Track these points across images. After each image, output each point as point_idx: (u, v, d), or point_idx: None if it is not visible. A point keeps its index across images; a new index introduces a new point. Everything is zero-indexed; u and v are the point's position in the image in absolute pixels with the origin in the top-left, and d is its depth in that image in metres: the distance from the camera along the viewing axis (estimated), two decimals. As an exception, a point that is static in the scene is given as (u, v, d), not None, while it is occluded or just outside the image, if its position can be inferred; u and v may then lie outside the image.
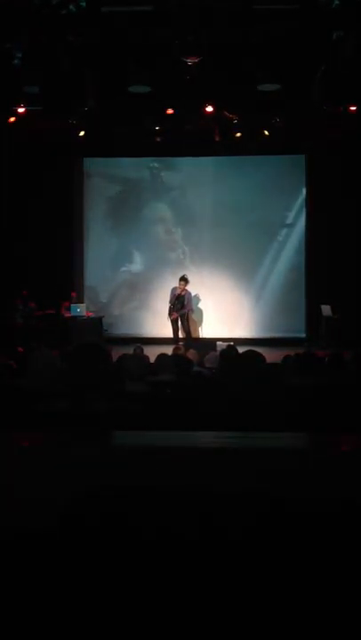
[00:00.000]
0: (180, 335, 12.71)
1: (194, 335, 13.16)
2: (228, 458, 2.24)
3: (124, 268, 14.54)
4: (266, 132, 12.53)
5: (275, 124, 12.28)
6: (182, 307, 12.59)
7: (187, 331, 12.75)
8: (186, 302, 12.63)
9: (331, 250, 13.39)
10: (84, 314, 13.09)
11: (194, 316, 13.55)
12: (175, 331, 12.68)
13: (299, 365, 5.44)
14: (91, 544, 1.46)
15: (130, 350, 8.01)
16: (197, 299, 13.60)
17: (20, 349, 10.80)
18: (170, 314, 12.63)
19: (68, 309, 13.06)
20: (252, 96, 10.04)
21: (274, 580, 1.44)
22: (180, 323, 12.68)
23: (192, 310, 12.97)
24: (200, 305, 13.77)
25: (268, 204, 14.12)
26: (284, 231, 14.17)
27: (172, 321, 12.66)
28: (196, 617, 1.39)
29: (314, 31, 8.76)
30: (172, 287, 12.84)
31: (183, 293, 12.58)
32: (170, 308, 12.64)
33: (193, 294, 13.09)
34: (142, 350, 8.13)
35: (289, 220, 14.18)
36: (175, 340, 12.31)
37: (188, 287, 12.72)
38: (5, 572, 1.50)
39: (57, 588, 1.42)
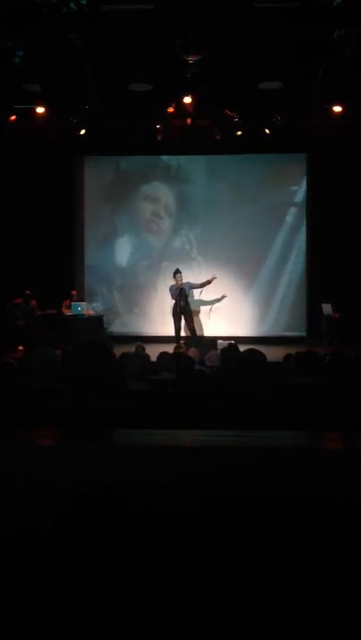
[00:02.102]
0: (183, 333, 12.66)
1: (198, 333, 13.12)
2: (228, 456, 2.24)
3: (125, 267, 14.53)
4: (267, 131, 12.54)
5: (276, 122, 12.29)
6: (186, 300, 12.55)
7: (191, 329, 12.70)
8: (187, 292, 12.59)
9: (331, 249, 13.39)
10: (85, 312, 13.08)
11: (200, 315, 13.51)
12: (177, 329, 12.63)
13: (300, 364, 5.44)
14: (88, 544, 1.46)
15: (131, 349, 8.01)
16: (200, 296, 13.52)
17: (22, 348, 10.80)
18: (175, 310, 12.57)
19: (69, 308, 13.06)
20: (252, 94, 10.05)
21: (275, 579, 1.44)
22: (183, 320, 12.63)
23: (204, 285, 12.93)
24: (202, 302, 13.69)
25: (268, 204, 14.12)
26: (285, 230, 14.17)
27: (174, 319, 12.61)
28: (196, 617, 1.39)
29: (315, 29, 8.76)
30: (169, 286, 12.79)
31: (181, 286, 12.52)
32: (174, 304, 12.58)
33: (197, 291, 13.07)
34: (144, 349, 8.13)
35: (289, 219, 14.18)
36: (177, 338, 12.27)
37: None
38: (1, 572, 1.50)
39: (53, 588, 1.43)
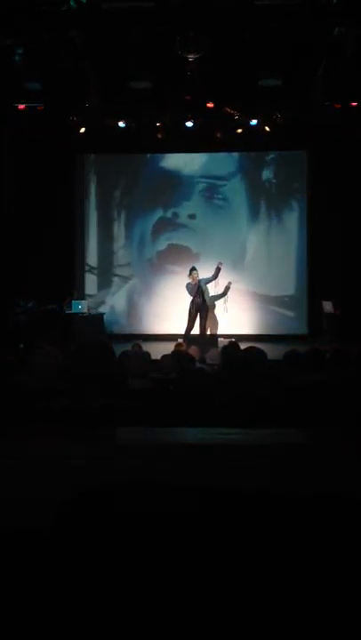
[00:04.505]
0: (197, 332, 12.45)
1: (213, 330, 12.94)
2: (229, 454, 2.25)
3: (125, 265, 14.53)
4: (267, 128, 12.53)
5: (276, 120, 12.29)
6: (203, 297, 12.38)
7: (203, 327, 12.52)
8: (204, 288, 12.40)
9: (332, 246, 13.38)
10: (86, 310, 13.08)
11: (216, 311, 13.33)
12: (190, 328, 12.40)
13: (300, 362, 5.44)
14: (88, 544, 1.45)
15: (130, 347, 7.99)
16: (215, 291, 13.27)
17: (22, 346, 10.80)
18: (191, 308, 12.36)
19: (69, 306, 13.05)
20: (253, 92, 10.05)
21: (276, 579, 1.44)
22: (198, 318, 12.43)
23: (216, 278, 12.65)
24: (214, 297, 13.45)
25: (269, 200, 14.12)
26: (285, 227, 14.15)
27: (190, 317, 12.43)
28: (196, 616, 1.38)
29: (315, 27, 8.75)
30: (185, 284, 12.58)
31: (197, 282, 12.32)
32: (191, 302, 12.35)
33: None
34: (140, 347, 8.11)
35: (290, 216, 14.16)
36: (185, 336, 12.10)
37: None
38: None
39: (53, 588, 1.42)
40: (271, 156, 14.10)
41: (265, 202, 14.11)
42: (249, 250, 14.10)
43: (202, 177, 14.26)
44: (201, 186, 14.25)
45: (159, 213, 14.37)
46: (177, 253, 14.15)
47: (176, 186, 14.33)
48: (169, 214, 14.35)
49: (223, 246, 13.91)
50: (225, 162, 14.21)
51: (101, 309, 13.97)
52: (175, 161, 14.33)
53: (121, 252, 14.53)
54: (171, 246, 14.29)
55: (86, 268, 14.56)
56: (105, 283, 14.58)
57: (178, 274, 13.18)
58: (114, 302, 14.47)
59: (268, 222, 14.13)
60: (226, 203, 14.18)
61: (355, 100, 10.58)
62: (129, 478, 1.73)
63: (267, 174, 14.13)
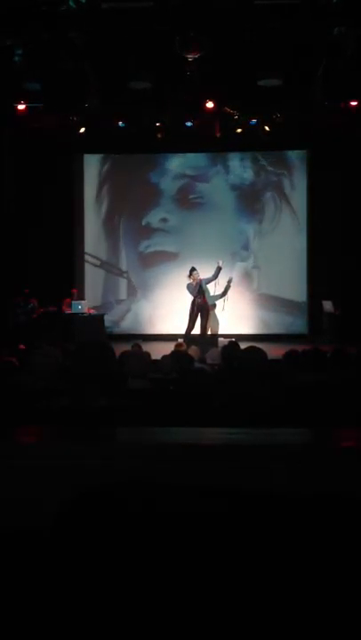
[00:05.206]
0: (198, 331, 12.35)
1: (214, 330, 12.83)
2: (230, 454, 2.24)
3: (125, 265, 14.54)
4: (267, 128, 12.53)
5: (276, 120, 12.30)
6: (204, 296, 12.25)
7: (203, 327, 12.42)
8: (205, 287, 12.25)
9: (332, 245, 13.39)
10: (86, 311, 13.08)
11: (216, 311, 13.21)
12: (190, 329, 12.29)
13: (301, 361, 5.44)
14: (88, 544, 1.45)
15: (130, 347, 7.99)
16: (215, 290, 13.12)
17: (22, 347, 10.80)
18: (192, 309, 12.22)
19: (69, 306, 13.05)
20: (252, 92, 10.05)
21: (277, 579, 1.44)
22: (199, 317, 12.30)
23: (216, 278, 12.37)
24: (215, 297, 13.29)
25: (269, 200, 14.13)
26: (286, 227, 14.16)
27: (190, 318, 12.32)
28: (197, 617, 1.38)
29: (315, 27, 8.74)
30: (186, 284, 12.40)
31: (198, 282, 12.18)
32: (192, 302, 12.21)
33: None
34: (140, 347, 8.11)
35: (290, 216, 14.17)
36: (185, 336, 12.02)
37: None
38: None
39: (53, 588, 1.42)
40: (271, 155, 14.11)
41: (265, 201, 14.13)
42: (249, 250, 14.11)
43: (202, 176, 14.28)
44: (200, 186, 14.26)
45: (159, 212, 14.38)
46: (176, 253, 14.15)
47: (175, 185, 14.34)
48: (168, 214, 14.35)
49: (223, 246, 13.91)
50: (225, 161, 14.22)
51: (101, 309, 13.97)
52: (175, 160, 14.35)
53: (121, 252, 14.55)
54: (170, 245, 14.30)
55: (86, 267, 14.56)
56: (105, 282, 14.60)
57: (178, 273, 13.15)
58: (114, 302, 14.49)
59: (269, 222, 14.15)
60: (226, 202, 14.19)
61: (355, 99, 10.57)
62: (129, 478, 1.73)
63: (266, 174, 14.13)
